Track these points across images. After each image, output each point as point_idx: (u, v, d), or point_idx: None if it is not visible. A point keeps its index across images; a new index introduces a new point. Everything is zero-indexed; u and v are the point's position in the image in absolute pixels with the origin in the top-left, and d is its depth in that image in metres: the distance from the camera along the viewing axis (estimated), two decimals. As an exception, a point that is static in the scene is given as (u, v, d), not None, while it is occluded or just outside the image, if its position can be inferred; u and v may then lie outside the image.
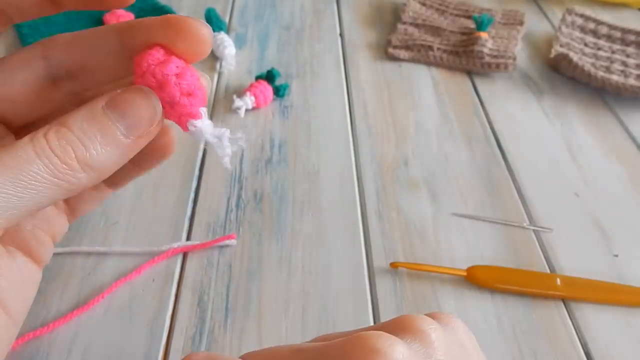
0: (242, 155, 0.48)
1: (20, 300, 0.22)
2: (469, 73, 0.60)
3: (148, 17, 0.22)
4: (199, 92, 0.22)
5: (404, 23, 0.65)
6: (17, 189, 0.18)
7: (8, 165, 0.18)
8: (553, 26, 0.69)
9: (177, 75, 0.21)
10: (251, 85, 0.53)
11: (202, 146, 0.48)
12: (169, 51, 0.21)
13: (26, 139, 0.19)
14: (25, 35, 0.60)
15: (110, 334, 0.34)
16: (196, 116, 0.22)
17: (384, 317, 0.36)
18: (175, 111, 0.22)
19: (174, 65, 0.21)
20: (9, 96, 0.22)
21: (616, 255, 0.41)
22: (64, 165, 0.19)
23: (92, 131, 0.20)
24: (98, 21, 0.63)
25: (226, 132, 0.22)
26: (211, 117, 0.52)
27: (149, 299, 0.36)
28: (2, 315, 0.21)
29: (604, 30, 0.63)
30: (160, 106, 0.21)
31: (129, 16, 0.62)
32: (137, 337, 0.34)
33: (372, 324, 0.35)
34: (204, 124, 0.22)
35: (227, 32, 0.63)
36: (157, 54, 0.21)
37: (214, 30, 0.60)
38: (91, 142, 0.20)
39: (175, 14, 0.21)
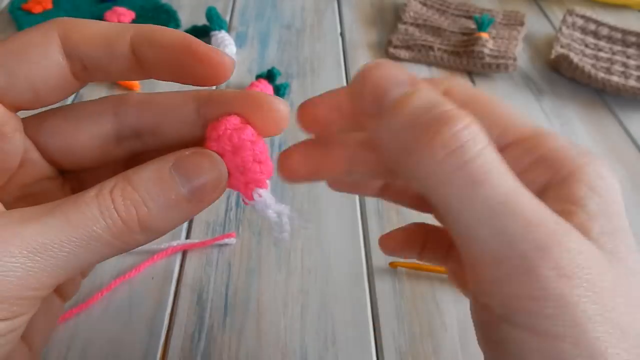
0: (242, 154, 0.48)
1: (42, 334, 0.22)
2: (470, 73, 0.60)
3: (228, 89, 0.23)
4: (269, 161, 0.22)
5: (405, 23, 0.65)
6: (77, 248, 0.18)
7: (73, 224, 0.18)
8: (554, 27, 0.69)
9: (251, 142, 0.21)
10: (252, 84, 0.53)
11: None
12: (245, 120, 0.22)
13: (92, 194, 0.19)
14: (26, 32, 0.60)
15: (110, 331, 0.34)
16: (263, 185, 0.22)
17: (383, 318, 0.36)
18: (244, 177, 0.22)
19: (250, 132, 0.21)
20: (72, 148, 0.23)
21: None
22: (124, 227, 0.19)
23: (157, 193, 0.19)
24: (98, 18, 0.62)
25: (286, 210, 0.23)
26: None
27: (148, 297, 0.36)
28: (25, 351, 0.21)
29: (604, 31, 0.63)
30: (227, 172, 0.21)
31: (130, 15, 0.62)
32: (136, 335, 0.34)
33: (371, 324, 0.36)
34: (268, 195, 0.22)
35: (228, 30, 0.63)
36: (235, 121, 0.21)
37: (214, 29, 0.60)
38: (155, 204, 0.19)
39: (256, 92, 0.22)
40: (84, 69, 0.22)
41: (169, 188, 0.20)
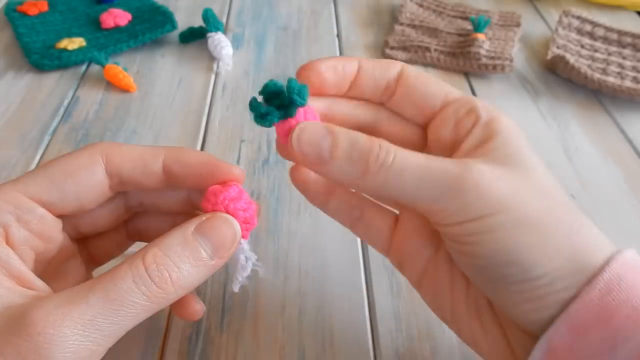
0: (239, 155, 0.47)
1: None
2: (466, 74, 0.60)
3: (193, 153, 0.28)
4: (254, 221, 0.27)
5: (401, 24, 0.65)
6: (119, 318, 0.21)
7: (111, 298, 0.21)
8: (550, 28, 0.69)
9: (244, 210, 0.26)
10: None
11: (200, 143, 0.48)
12: (240, 190, 0.27)
13: (124, 267, 0.22)
14: (22, 34, 0.60)
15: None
16: (245, 237, 0.27)
17: (381, 318, 0.36)
18: None
19: (243, 202, 0.26)
20: (94, 223, 0.29)
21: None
22: (159, 290, 0.22)
23: (184, 254, 0.23)
24: (95, 20, 0.63)
25: (253, 258, 0.27)
26: (209, 116, 0.51)
27: (145, 300, 0.36)
28: None
29: (600, 32, 0.64)
30: (240, 230, 0.25)
31: (126, 16, 0.62)
32: (134, 337, 0.34)
33: (369, 325, 0.36)
34: (245, 244, 0.27)
35: (225, 32, 0.63)
36: (233, 193, 0.26)
37: (210, 31, 0.60)
38: (183, 265, 0.23)
39: (216, 162, 0.28)
40: (120, 183, 0.27)
41: (194, 249, 0.23)
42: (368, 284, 0.38)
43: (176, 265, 0.23)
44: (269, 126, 0.26)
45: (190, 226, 0.24)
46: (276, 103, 0.26)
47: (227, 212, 0.25)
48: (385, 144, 0.24)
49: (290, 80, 0.25)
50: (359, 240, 0.41)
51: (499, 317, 0.27)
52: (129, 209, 0.30)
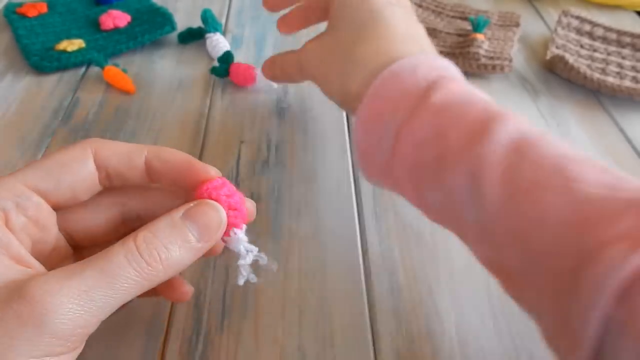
0: (239, 156, 0.47)
1: None
2: (465, 74, 0.59)
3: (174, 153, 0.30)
4: (242, 209, 0.29)
5: (401, 24, 0.65)
6: (112, 291, 0.23)
7: (105, 272, 0.23)
8: (549, 28, 0.69)
9: (227, 195, 0.28)
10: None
11: (200, 143, 0.48)
12: (224, 181, 0.29)
13: (117, 246, 0.24)
14: (21, 36, 0.60)
15: (107, 335, 0.34)
16: (238, 226, 0.29)
17: (381, 318, 0.36)
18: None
19: (227, 189, 0.28)
20: (91, 232, 0.30)
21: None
22: (149, 267, 0.24)
23: (173, 236, 0.25)
24: (94, 22, 0.63)
25: (254, 250, 0.29)
26: (208, 117, 0.51)
27: (146, 301, 0.36)
28: None
29: (599, 32, 0.64)
30: (225, 215, 0.27)
31: (125, 17, 0.62)
32: (134, 338, 0.34)
33: (368, 325, 0.36)
34: (242, 234, 0.29)
35: (224, 33, 0.63)
36: (217, 183, 0.28)
37: (209, 31, 0.60)
38: (172, 246, 0.25)
39: (193, 162, 0.29)
40: (107, 177, 0.29)
41: (182, 232, 0.25)
42: (368, 284, 0.38)
43: (165, 247, 0.25)
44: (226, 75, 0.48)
45: (179, 212, 0.26)
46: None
47: (211, 199, 0.27)
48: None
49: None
50: (359, 240, 0.41)
51: None
52: (126, 222, 0.31)
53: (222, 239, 0.29)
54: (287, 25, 0.47)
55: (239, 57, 0.60)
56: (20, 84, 0.55)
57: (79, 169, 0.27)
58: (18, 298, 0.22)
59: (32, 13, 0.63)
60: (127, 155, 0.28)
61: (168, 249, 0.25)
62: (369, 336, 0.35)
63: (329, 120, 0.52)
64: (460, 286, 0.38)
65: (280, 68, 0.47)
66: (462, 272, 0.39)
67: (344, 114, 0.53)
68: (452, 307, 0.37)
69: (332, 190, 0.45)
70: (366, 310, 0.36)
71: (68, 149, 0.28)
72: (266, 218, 0.42)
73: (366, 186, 0.45)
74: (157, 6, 0.65)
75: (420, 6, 0.69)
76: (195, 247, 0.26)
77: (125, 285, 0.23)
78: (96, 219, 0.30)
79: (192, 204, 0.27)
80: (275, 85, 0.54)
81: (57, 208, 0.28)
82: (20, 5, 0.65)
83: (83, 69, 0.57)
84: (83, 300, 0.22)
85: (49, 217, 0.28)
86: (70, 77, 0.56)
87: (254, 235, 0.41)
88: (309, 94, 0.55)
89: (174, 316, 0.35)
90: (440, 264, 0.39)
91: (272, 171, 0.46)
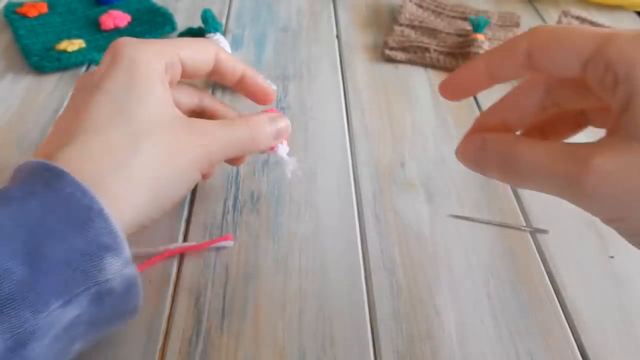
0: (239, 156, 0.48)
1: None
2: (466, 75, 0.60)
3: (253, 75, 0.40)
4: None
5: (401, 25, 0.65)
6: (231, 142, 0.35)
7: (229, 126, 0.36)
8: (549, 28, 0.69)
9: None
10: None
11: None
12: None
13: (238, 119, 0.37)
14: (21, 36, 0.60)
15: (107, 335, 0.34)
16: (282, 142, 0.40)
17: (381, 319, 0.36)
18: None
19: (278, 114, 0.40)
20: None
21: (612, 257, 0.41)
22: (258, 132, 0.37)
23: (266, 126, 0.37)
24: (94, 22, 0.63)
25: (294, 160, 0.40)
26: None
27: (146, 301, 0.35)
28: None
29: (599, 32, 0.64)
30: (289, 125, 0.39)
31: (126, 17, 0.62)
32: (134, 338, 0.34)
33: (368, 325, 0.36)
34: (285, 147, 0.40)
35: (224, 33, 0.63)
36: (272, 111, 0.40)
37: (209, 32, 0.60)
38: (265, 130, 0.37)
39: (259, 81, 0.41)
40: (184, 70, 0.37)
41: (269, 125, 0.38)
42: (368, 284, 0.38)
43: (264, 129, 0.37)
44: None
45: (267, 116, 0.38)
46: None
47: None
48: None
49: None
50: (359, 240, 0.41)
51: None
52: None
53: (272, 148, 0.39)
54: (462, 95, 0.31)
55: (239, 57, 0.60)
56: (21, 84, 0.55)
57: (207, 59, 0.37)
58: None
59: (32, 13, 0.63)
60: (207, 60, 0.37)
61: (265, 131, 0.37)
62: (369, 336, 0.35)
63: (329, 120, 0.52)
64: (460, 286, 0.38)
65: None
66: (462, 272, 0.39)
67: (344, 113, 0.53)
68: (452, 307, 0.37)
69: (332, 190, 0.45)
70: (366, 310, 0.36)
71: (199, 40, 0.39)
72: (266, 218, 0.42)
73: (366, 186, 0.45)
74: (157, 6, 0.65)
75: (420, 6, 0.69)
76: (271, 138, 0.38)
77: (242, 138, 0.36)
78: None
79: (273, 114, 0.39)
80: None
81: (187, 77, 0.37)
82: (20, 5, 0.65)
83: (83, 69, 0.57)
84: (218, 144, 0.35)
85: (178, 71, 0.36)
86: (70, 77, 0.56)
87: (254, 235, 0.41)
88: (308, 94, 0.55)
89: (174, 316, 0.35)
90: (440, 264, 0.39)
91: (272, 171, 0.46)
